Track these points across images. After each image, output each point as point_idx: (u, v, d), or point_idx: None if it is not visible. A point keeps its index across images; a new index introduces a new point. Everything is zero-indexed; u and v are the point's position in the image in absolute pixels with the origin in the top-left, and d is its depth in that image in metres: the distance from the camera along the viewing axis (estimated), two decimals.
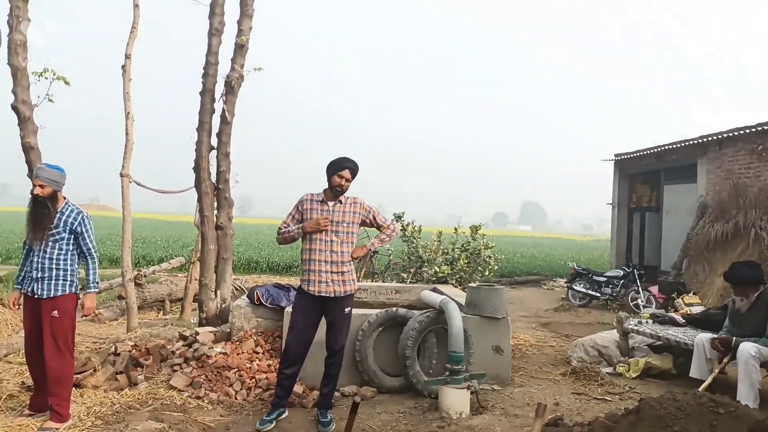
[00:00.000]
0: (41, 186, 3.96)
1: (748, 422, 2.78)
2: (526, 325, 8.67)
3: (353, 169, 4.19)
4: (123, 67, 6.73)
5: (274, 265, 16.78)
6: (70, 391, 4.07)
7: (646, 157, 13.22)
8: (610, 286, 11.10)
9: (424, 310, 5.18)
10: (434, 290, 6.47)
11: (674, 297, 9.53)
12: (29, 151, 5.70)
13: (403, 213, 10.31)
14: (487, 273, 9.63)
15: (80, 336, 6.33)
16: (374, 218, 4.34)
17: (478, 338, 5.19)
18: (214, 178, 6.42)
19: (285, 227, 4.27)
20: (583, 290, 11.33)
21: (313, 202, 4.22)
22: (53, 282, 3.98)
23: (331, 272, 4.12)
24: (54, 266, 3.99)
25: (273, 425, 4.09)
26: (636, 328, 5.92)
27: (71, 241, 4.06)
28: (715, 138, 10.76)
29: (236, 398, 4.61)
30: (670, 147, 12.14)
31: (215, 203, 6.44)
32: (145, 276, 9.51)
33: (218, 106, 6.38)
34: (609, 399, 4.93)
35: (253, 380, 4.80)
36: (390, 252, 12.93)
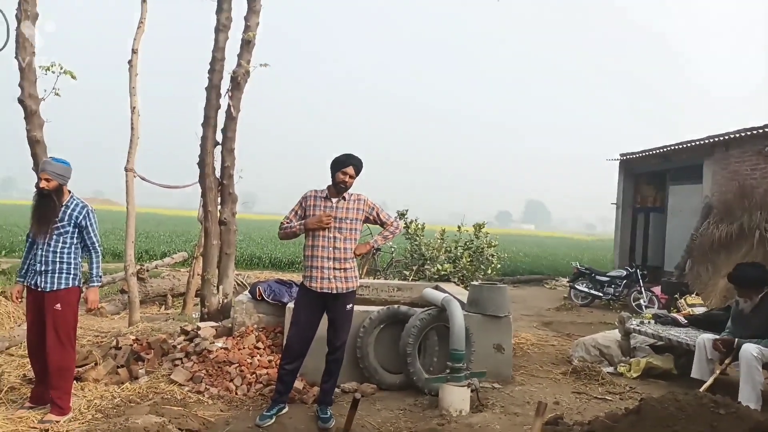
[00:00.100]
0: (47, 179, 3.97)
1: (749, 423, 2.76)
2: (527, 324, 8.66)
3: (357, 165, 4.18)
4: (129, 62, 6.74)
5: (276, 261, 16.82)
6: (71, 384, 4.09)
7: (652, 158, 13.17)
8: (613, 286, 11.08)
9: (426, 308, 5.18)
10: (436, 288, 6.46)
11: (677, 297, 9.49)
12: (35, 144, 5.72)
13: (407, 210, 10.33)
14: (489, 271, 9.64)
15: (82, 329, 6.35)
16: (378, 215, 4.33)
17: (480, 336, 5.19)
18: (218, 174, 6.44)
19: (287, 222, 4.27)
20: (586, 290, 11.32)
21: (316, 198, 4.22)
22: (57, 275, 4.00)
23: (334, 269, 4.12)
24: (58, 259, 4.00)
25: (273, 420, 4.10)
26: (638, 328, 5.91)
27: (75, 235, 4.08)
28: (722, 139, 10.72)
29: (237, 393, 4.62)
30: (677, 147, 12.09)
31: (219, 198, 6.46)
32: (147, 270, 9.54)
33: (224, 102, 6.40)
34: (609, 398, 4.93)
35: (254, 376, 4.81)
36: (393, 249, 12.95)
